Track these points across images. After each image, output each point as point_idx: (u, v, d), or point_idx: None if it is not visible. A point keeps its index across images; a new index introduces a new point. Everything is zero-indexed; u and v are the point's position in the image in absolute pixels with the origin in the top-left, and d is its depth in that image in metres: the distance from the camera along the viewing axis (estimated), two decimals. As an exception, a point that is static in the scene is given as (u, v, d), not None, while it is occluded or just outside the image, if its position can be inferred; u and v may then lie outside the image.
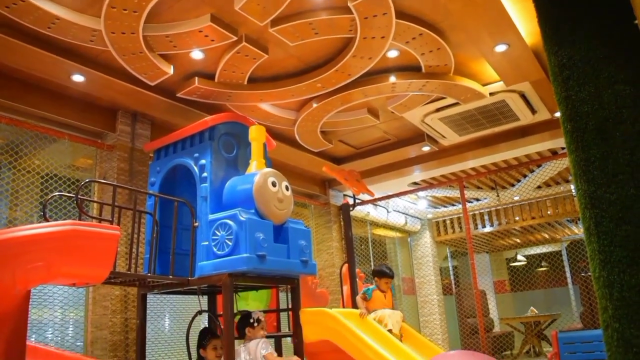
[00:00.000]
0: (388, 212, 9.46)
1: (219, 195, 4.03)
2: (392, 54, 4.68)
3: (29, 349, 3.75)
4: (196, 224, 3.95)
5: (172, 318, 5.44)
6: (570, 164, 2.47)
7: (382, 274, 4.90)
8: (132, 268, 3.82)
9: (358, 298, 4.79)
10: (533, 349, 10.71)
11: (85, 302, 4.86)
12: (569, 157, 2.49)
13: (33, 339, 4.16)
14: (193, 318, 4.06)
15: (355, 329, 4.00)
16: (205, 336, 4.17)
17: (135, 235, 3.83)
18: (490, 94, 5.58)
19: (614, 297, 2.15)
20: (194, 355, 4.13)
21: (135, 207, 3.91)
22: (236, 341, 4.01)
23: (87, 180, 4.06)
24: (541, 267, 13.79)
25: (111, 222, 3.58)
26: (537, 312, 10.92)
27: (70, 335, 4.76)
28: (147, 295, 4.38)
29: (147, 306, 4.40)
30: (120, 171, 5.07)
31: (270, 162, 4.36)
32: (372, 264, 9.20)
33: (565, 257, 12.20)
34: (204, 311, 4.10)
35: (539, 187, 9.40)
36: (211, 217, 3.88)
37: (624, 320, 2.10)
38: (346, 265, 5.34)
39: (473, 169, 7.94)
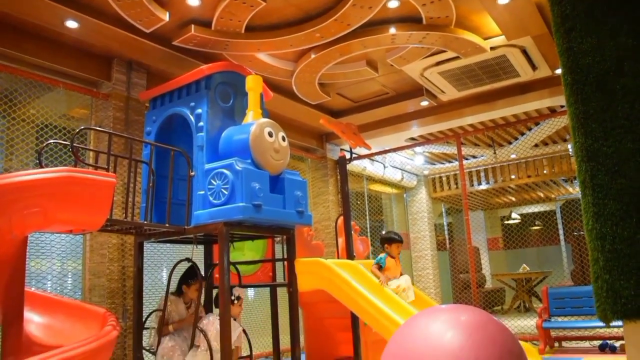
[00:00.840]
0: (385, 167, 9.46)
1: (215, 144, 4.02)
2: (393, 4, 4.58)
3: (28, 295, 3.80)
4: (192, 173, 3.95)
5: (169, 267, 5.50)
6: (569, 116, 2.45)
7: (393, 240, 4.89)
8: (129, 216, 3.84)
9: (373, 268, 4.71)
10: (523, 304, 10.94)
11: (82, 250, 4.90)
12: (567, 110, 2.47)
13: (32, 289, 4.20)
14: (178, 262, 4.14)
15: (350, 279, 4.06)
16: (194, 276, 4.25)
17: (132, 185, 3.83)
18: (491, 48, 5.50)
19: (606, 249, 2.17)
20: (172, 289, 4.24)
21: (131, 156, 3.90)
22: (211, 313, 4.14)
23: (83, 127, 4.03)
24: (535, 225, 13.94)
25: (107, 170, 3.57)
26: (528, 269, 11.10)
27: (69, 284, 4.81)
28: (144, 244, 4.43)
29: (144, 255, 4.46)
30: (116, 120, 5.03)
31: (267, 113, 4.33)
32: (367, 218, 9.27)
33: (559, 217, 12.32)
34: (190, 260, 4.16)
35: (536, 145, 9.39)
36: (207, 166, 3.88)
37: (614, 272, 2.13)
38: (341, 217, 5.37)
39: (471, 125, 7.91)
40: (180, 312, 4.24)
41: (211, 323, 3.95)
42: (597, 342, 5.97)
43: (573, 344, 6.32)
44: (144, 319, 4.35)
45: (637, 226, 2.09)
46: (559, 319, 6.25)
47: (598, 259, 2.17)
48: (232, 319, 4.00)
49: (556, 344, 6.31)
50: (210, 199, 3.77)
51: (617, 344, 5.69)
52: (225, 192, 3.66)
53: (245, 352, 4.26)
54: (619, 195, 2.18)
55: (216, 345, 3.79)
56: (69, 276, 4.85)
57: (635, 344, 2.09)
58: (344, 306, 4.22)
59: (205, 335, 3.84)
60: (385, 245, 4.91)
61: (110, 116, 5.01)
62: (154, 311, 4.29)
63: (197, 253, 4.36)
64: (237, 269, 4.38)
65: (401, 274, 4.74)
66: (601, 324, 5.74)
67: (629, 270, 2.07)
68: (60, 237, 4.68)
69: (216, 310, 4.21)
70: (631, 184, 2.16)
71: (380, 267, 4.70)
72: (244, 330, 4.20)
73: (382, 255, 4.83)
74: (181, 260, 4.21)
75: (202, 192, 3.86)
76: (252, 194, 3.64)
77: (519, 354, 2.23)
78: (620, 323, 5.15)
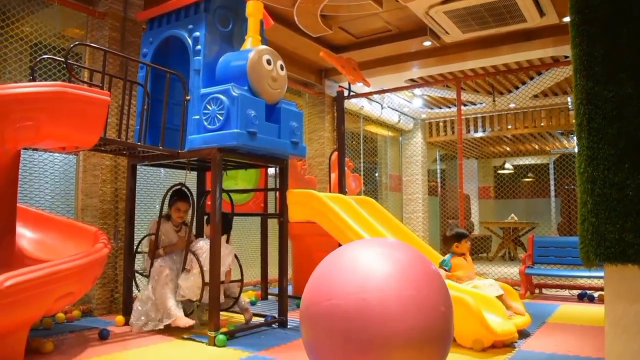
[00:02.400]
0: (382, 108, 9.39)
1: (212, 69, 3.96)
2: None
3: (20, 211, 3.82)
4: (188, 97, 3.91)
5: (162, 191, 5.51)
6: (572, 58, 2.42)
7: (462, 235, 4.23)
8: (123, 138, 3.82)
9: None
10: (508, 253, 11.16)
11: (75, 170, 4.89)
12: (571, 52, 2.43)
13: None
14: (171, 187, 4.18)
15: (340, 212, 4.10)
16: (172, 197, 4.32)
17: (126, 107, 3.79)
18: (500, -11, 5.35)
19: (595, 192, 2.19)
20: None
21: (126, 77, 3.84)
22: (202, 238, 4.20)
23: (77, 42, 3.93)
24: (527, 177, 14.03)
25: (101, 89, 3.52)
26: (516, 219, 11.25)
27: (61, 206, 4.82)
28: (137, 168, 4.44)
29: (137, 180, 4.48)
30: (112, 41, 4.91)
31: (266, 41, 4.25)
32: (361, 159, 9.28)
33: (551, 170, 12.37)
34: (183, 185, 4.20)
35: (535, 96, 9.31)
36: (203, 91, 3.84)
37: (601, 216, 2.15)
38: (336, 153, 5.37)
39: (472, 70, 7.81)
40: (170, 236, 4.29)
41: (203, 247, 4.02)
42: (576, 292, 6.12)
43: (553, 292, 6.48)
44: (135, 244, 4.43)
45: (629, 172, 2.10)
46: (542, 266, 6.38)
47: (586, 202, 2.19)
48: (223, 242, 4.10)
49: (537, 291, 6.47)
50: (205, 124, 3.75)
51: (596, 294, 5.84)
52: (220, 118, 3.63)
53: (236, 277, 4.36)
54: (614, 140, 2.18)
55: (206, 269, 3.88)
56: (61, 198, 4.86)
57: (614, 286, 2.13)
58: (332, 240, 4.27)
59: (198, 259, 3.91)
60: (455, 244, 4.21)
61: (106, 36, 4.89)
62: (146, 236, 4.35)
63: (190, 179, 4.38)
64: (230, 197, 4.40)
65: (476, 275, 4.21)
66: (582, 273, 5.82)
67: (615, 214, 2.09)
68: (53, 156, 4.67)
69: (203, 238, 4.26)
70: (627, 130, 2.16)
71: (445, 270, 4.09)
72: (235, 255, 4.29)
73: (446, 256, 4.23)
74: (174, 185, 4.25)
75: (197, 117, 3.83)
76: (247, 120, 3.62)
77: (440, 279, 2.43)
78: (600, 274, 5.26)
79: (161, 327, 3.93)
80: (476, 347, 3.39)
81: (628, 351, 1.93)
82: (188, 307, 4.07)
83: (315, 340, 2.36)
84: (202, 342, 3.65)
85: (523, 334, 3.87)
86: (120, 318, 4.23)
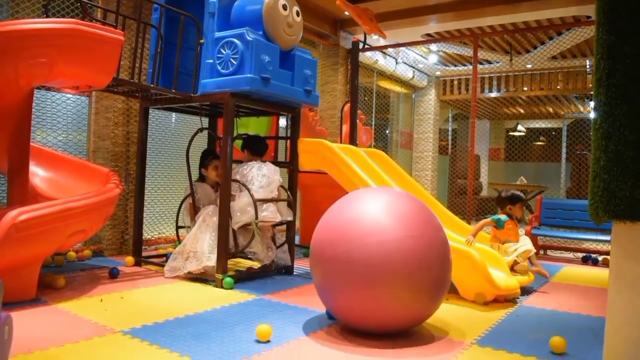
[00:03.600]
0: (397, 62, 9.26)
1: (227, 13, 3.90)
2: None
3: (33, 150, 3.86)
4: (202, 40, 3.87)
5: (173, 137, 5.55)
6: (596, 11, 2.37)
7: (518, 198, 4.22)
8: (135, 80, 3.80)
9: (483, 222, 4.15)
10: (515, 215, 11.16)
11: (88, 112, 4.90)
12: (595, 5, 2.38)
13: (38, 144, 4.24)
14: (194, 135, 4.16)
15: (350, 162, 4.09)
16: (207, 156, 4.33)
17: (139, 49, 3.75)
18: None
19: (609, 149, 2.17)
20: (195, 173, 4.29)
21: (140, 18, 3.79)
22: (246, 163, 4.15)
23: (91, -20, 3.88)
24: (539, 141, 13.92)
25: (115, 28, 3.48)
26: (525, 181, 11.21)
27: (72, 147, 4.85)
28: (149, 111, 4.43)
29: (149, 124, 4.48)
30: (126, -19, 4.83)
31: (281, -13, 4.16)
32: (373, 115, 9.22)
33: (564, 135, 12.26)
34: (205, 129, 4.18)
35: (554, 57, 9.12)
36: (217, 34, 3.79)
37: (613, 173, 2.13)
38: (348, 104, 5.33)
39: (490, 27, 7.64)
40: (210, 196, 4.28)
41: (242, 172, 4.01)
42: (580, 254, 6.15)
43: (557, 254, 6.52)
44: (147, 186, 4.43)
45: (645, 130, 2.08)
46: (549, 228, 6.39)
47: (599, 159, 2.18)
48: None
49: (542, 252, 6.51)
50: (219, 68, 3.72)
51: (600, 257, 5.87)
52: (234, 62, 3.60)
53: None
54: (633, 97, 2.15)
55: (254, 188, 3.89)
56: (73, 139, 4.89)
57: (621, 243, 2.14)
58: (341, 192, 4.27)
59: (242, 183, 3.90)
60: (509, 206, 4.21)
61: (120, -24, 4.81)
62: (185, 198, 4.34)
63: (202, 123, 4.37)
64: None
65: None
66: (587, 236, 5.81)
67: (628, 172, 2.08)
68: (66, 97, 4.67)
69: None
70: (647, 87, 2.13)
71: (494, 226, 4.15)
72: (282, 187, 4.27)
73: (503, 216, 4.17)
74: (197, 132, 4.20)
75: (211, 61, 3.80)
76: (261, 66, 3.59)
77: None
78: (605, 237, 5.24)
79: (186, 271, 3.87)
80: (479, 300, 3.44)
81: (630, 307, 1.95)
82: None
83: (328, 281, 2.59)
84: (210, 284, 3.73)
85: (526, 291, 3.92)
86: (130, 259, 4.31)
